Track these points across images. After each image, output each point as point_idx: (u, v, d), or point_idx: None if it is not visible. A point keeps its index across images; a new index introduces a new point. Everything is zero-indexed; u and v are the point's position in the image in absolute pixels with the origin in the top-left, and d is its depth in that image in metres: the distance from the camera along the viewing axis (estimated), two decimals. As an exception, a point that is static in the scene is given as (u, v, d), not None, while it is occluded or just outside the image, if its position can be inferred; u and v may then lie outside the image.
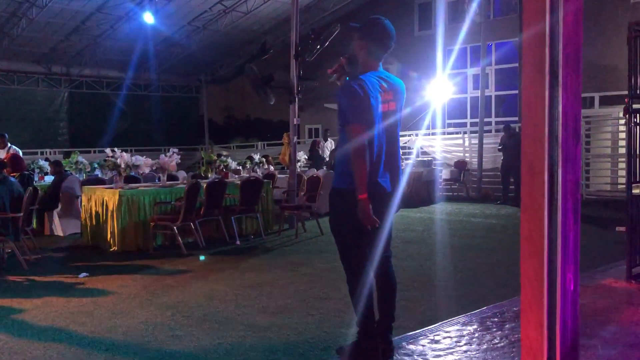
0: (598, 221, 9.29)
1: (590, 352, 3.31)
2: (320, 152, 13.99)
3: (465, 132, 15.95)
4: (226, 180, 8.66)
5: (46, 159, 12.73)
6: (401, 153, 3.51)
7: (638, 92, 4.94)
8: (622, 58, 5.14)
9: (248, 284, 5.61)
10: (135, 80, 21.34)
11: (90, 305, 4.97)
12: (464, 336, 3.71)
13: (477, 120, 15.14)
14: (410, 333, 3.80)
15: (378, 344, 3.32)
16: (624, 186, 7.19)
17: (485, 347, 3.49)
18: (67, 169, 10.31)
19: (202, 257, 7.06)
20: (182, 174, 11.47)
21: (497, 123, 16.48)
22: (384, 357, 3.31)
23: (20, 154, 10.14)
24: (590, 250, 6.29)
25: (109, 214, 7.54)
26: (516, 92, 16.66)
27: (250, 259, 7.01)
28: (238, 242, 8.01)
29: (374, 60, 3.31)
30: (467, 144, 15.45)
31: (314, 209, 9.01)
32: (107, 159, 8.35)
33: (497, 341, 3.58)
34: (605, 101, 14.70)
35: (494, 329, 3.81)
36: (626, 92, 4.92)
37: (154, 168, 8.73)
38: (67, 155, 12.53)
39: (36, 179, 9.94)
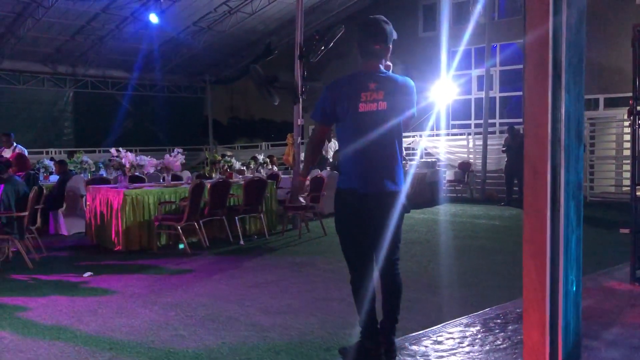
0: (602, 223, 9.27)
1: (593, 354, 3.31)
2: (323, 152, 13.99)
3: (469, 134, 15.94)
4: (230, 180, 8.68)
5: (51, 159, 12.78)
6: (404, 154, 3.49)
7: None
8: (627, 59, 5.13)
9: (251, 284, 5.63)
10: (140, 81, 21.40)
11: (95, 304, 5.00)
12: (466, 337, 3.72)
13: (481, 121, 15.11)
14: (413, 334, 3.81)
15: (381, 344, 3.33)
16: (628, 188, 7.17)
17: (487, 348, 3.50)
18: (71, 168, 10.36)
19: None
20: (186, 174, 11.50)
21: (501, 124, 16.45)
22: (387, 358, 3.31)
23: (26, 153, 10.18)
24: (594, 252, 6.28)
25: (114, 213, 7.57)
26: (520, 93, 16.50)
27: (254, 259, 7.03)
28: (242, 242, 8.04)
29: (366, 59, 3.30)
30: (471, 145, 15.43)
31: (317, 210, 9.02)
32: (111, 158, 8.39)
33: (499, 342, 3.58)
34: (610, 103, 14.67)
35: (497, 330, 3.82)
36: (631, 94, 4.91)
37: (158, 168, 8.76)
38: (71, 154, 12.59)
39: (41, 178, 9.98)
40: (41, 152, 17.90)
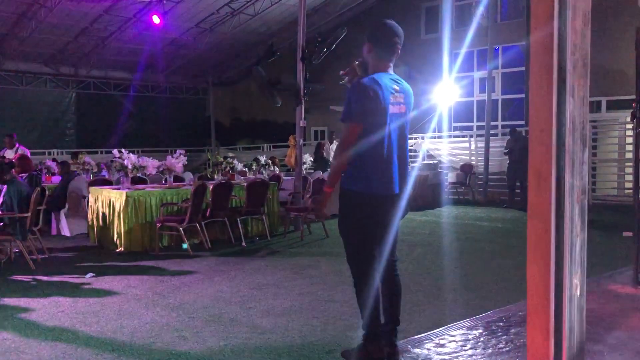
0: (604, 226, 9.25)
1: (596, 358, 3.30)
2: (325, 154, 13.99)
3: (471, 136, 15.93)
4: (232, 182, 8.68)
5: (53, 160, 12.81)
6: (409, 156, 3.53)
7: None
8: (629, 62, 5.13)
9: (253, 286, 5.63)
10: (142, 82, 21.43)
11: (97, 305, 5.00)
12: (469, 340, 3.71)
13: (483, 123, 15.11)
14: (416, 337, 3.80)
15: (383, 347, 3.33)
16: (630, 191, 7.18)
17: (490, 351, 3.49)
18: (74, 169, 10.37)
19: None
20: (188, 176, 11.51)
21: (503, 127, 16.44)
22: (389, 361, 3.31)
23: (28, 154, 10.21)
24: (597, 256, 6.26)
25: (116, 214, 7.57)
26: (522, 95, 16.61)
27: (256, 261, 7.03)
28: (244, 244, 8.04)
29: (383, 62, 3.32)
30: (473, 147, 15.42)
31: (318, 214, 8.99)
32: (114, 160, 8.39)
33: (502, 345, 3.57)
34: (613, 105, 14.65)
35: (500, 333, 3.81)
36: (634, 97, 4.90)
37: (160, 169, 8.77)
38: (75, 155, 12.61)
39: (43, 179, 9.99)
40: (43, 153, 17.93)
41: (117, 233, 7.55)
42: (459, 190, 14.48)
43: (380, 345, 3.32)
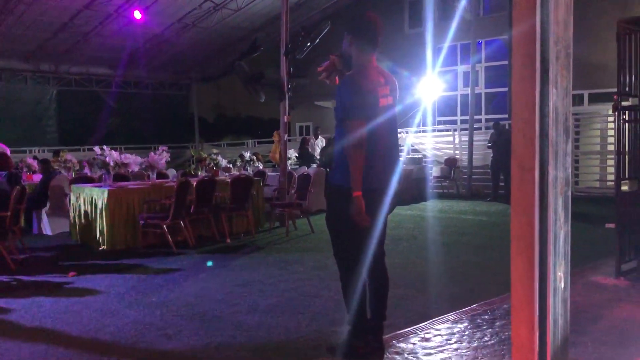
0: (587, 218, 9.33)
1: (580, 349, 3.32)
2: (310, 149, 13.96)
3: (455, 130, 15.99)
4: (216, 178, 8.61)
5: (34, 158, 12.62)
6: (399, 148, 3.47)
7: (627, 89, 4.96)
8: (611, 55, 5.15)
9: (238, 283, 5.58)
10: (125, 78, 21.21)
11: (79, 305, 4.92)
12: (454, 334, 3.71)
13: (467, 117, 15.17)
14: (401, 331, 3.79)
15: (369, 342, 3.31)
16: (612, 183, 7.23)
17: (475, 344, 3.49)
18: (55, 167, 10.23)
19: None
20: (171, 172, 11.41)
21: (487, 120, 16.54)
22: (375, 356, 3.29)
23: (8, 152, 10.02)
24: (580, 247, 6.30)
25: (98, 212, 7.48)
26: (506, 89, 16.71)
27: (241, 258, 6.98)
28: (228, 241, 7.98)
29: (366, 55, 3.29)
30: (457, 141, 15.48)
31: (304, 207, 8.98)
32: (96, 157, 8.28)
33: (487, 339, 3.58)
34: (594, 98, 14.79)
35: (485, 327, 3.81)
36: (615, 90, 4.93)
37: (143, 166, 8.67)
38: (55, 153, 12.44)
39: (24, 177, 9.84)
40: (24, 152, 17.68)
41: (100, 231, 7.46)
42: (443, 184, 14.53)
43: (366, 340, 3.30)
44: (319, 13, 18.23)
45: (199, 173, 9.68)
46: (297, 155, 13.62)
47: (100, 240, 7.45)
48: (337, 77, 3.45)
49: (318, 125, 16.80)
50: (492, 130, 13.00)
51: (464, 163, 14.58)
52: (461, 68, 17.51)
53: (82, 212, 7.82)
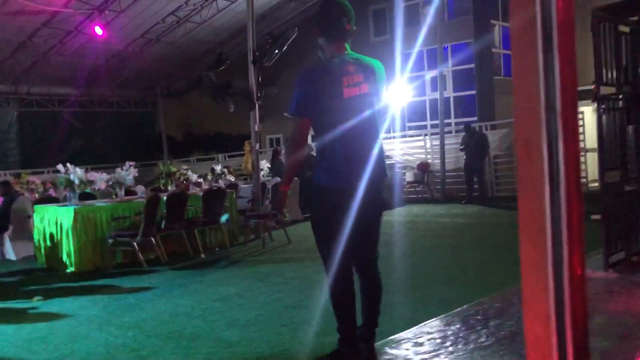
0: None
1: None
2: (282, 159, 13.73)
3: (425, 134, 15.97)
4: (187, 192, 8.32)
5: (-5, 181, 12.10)
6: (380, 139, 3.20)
7: (604, 80, 4.90)
8: (587, 49, 5.05)
9: (215, 298, 5.32)
10: (88, 97, 20.67)
11: (45, 330, 4.60)
12: (448, 337, 3.52)
13: (437, 122, 15.16)
14: (392, 337, 3.59)
15: (360, 351, 3.10)
16: (592, 178, 7.22)
17: (472, 346, 3.30)
18: (17, 188, 9.80)
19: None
20: (140, 189, 11.05)
21: (457, 124, 16.56)
22: (367, 365, 3.09)
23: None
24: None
25: (64, 233, 7.12)
26: (473, 92, 16.80)
27: (217, 272, 6.71)
28: (203, 256, 7.68)
29: (335, 44, 3.12)
30: (428, 145, 15.45)
31: (279, 217, 8.74)
32: (59, 174, 7.92)
33: (483, 340, 3.40)
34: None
35: (479, 327, 3.64)
36: (592, 87, 4.86)
37: (110, 183, 8.33)
38: (17, 176, 11.97)
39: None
40: (-15, 176, 17.01)
41: (67, 252, 7.10)
42: (417, 189, 14.46)
43: (356, 349, 3.09)
44: (284, 24, 18.08)
45: (169, 188, 9.37)
46: (269, 167, 13.38)
47: (68, 262, 7.09)
48: None
49: (288, 137, 16.61)
50: (463, 133, 12.99)
51: (437, 167, 14.53)
52: (429, 73, 17.56)
53: (47, 233, 7.44)
